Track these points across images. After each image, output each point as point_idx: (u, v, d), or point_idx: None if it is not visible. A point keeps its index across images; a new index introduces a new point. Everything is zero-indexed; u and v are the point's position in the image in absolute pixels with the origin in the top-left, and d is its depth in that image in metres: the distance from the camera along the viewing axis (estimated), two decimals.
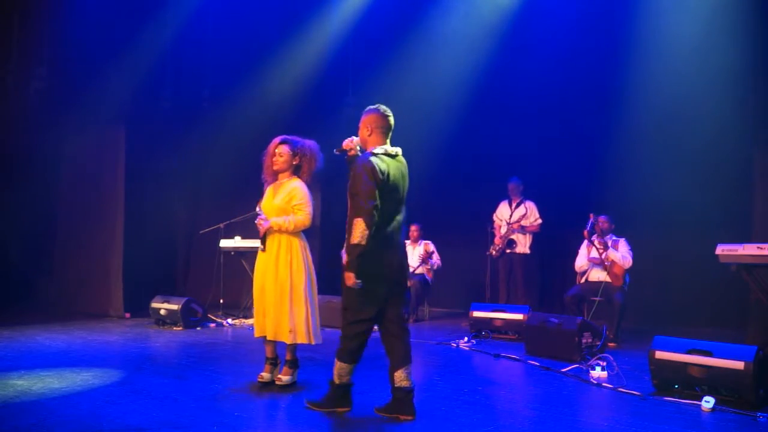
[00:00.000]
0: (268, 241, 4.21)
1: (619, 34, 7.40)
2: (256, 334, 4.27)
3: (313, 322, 4.17)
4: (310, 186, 4.26)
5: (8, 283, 7.97)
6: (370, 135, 3.57)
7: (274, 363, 4.32)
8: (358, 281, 3.37)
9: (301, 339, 4.11)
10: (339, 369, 3.56)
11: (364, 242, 3.32)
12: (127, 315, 7.57)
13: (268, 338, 4.17)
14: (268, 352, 4.32)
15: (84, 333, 6.35)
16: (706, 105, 6.83)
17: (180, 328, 6.77)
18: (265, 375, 4.27)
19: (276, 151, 4.22)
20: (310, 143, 4.30)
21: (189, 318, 6.89)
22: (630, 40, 7.33)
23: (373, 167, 3.38)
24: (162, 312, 6.89)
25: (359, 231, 3.33)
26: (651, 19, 7.20)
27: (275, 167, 4.23)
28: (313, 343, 4.17)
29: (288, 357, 4.27)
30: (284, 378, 4.21)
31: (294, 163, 4.25)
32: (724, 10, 6.68)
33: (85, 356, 5.13)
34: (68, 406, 3.62)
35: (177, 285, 9.11)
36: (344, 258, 3.43)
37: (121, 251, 7.72)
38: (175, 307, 6.83)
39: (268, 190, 4.32)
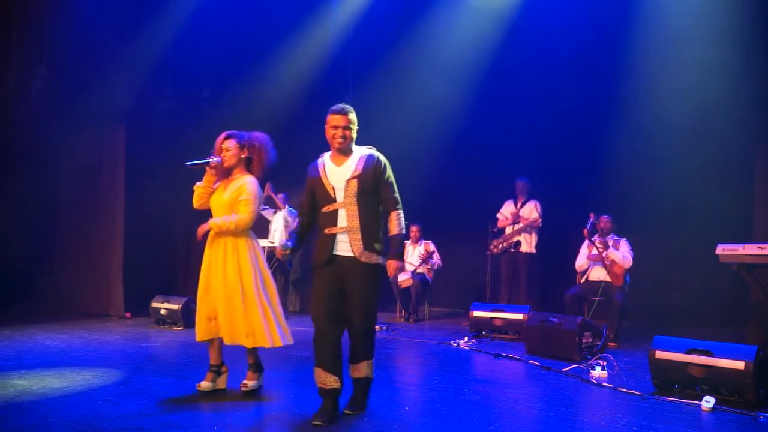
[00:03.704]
0: (215, 243, 3.97)
1: (621, 35, 7.41)
2: (198, 338, 3.96)
3: (276, 323, 3.92)
4: (262, 181, 4.09)
5: (8, 283, 7.97)
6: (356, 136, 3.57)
7: (217, 371, 4.05)
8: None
9: (262, 342, 3.85)
10: (373, 364, 3.59)
11: (404, 231, 3.53)
12: (128, 315, 7.57)
13: (226, 343, 3.92)
14: (212, 358, 4.04)
15: (84, 333, 6.35)
16: (706, 105, 6.84)
17: (180, 328, 6.77)
18: (205, 384, 3.97)
19: (222, 146, 4.02)
20: (258, 135, 4.11)
21: (189, 318, 6.88)
22: (632, 42, 7.34)
23: None
24: (162, 312, 6.89)
25: (401, 221, 3.51)
26: (653, 20, 7.20)
27: (225, 164, 4.01)
28: (278, 345, 3.89)
29: (251, 361, 4.03)
30: (249, 383, 3.98)
31: (243, 156, 4.04)
32: (725, 11, 6.69)
33: (85, 356, 5.13)
34: (68, 406, 3.62)
35: (177, 285, 9.11)
36: (368, 256, 3.43)
37: (121, 251, 7.73)
38: (175, 306, 6.84)
39: (219, 186, 4.08)
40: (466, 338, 6.22)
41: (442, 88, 8.46)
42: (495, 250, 7.61)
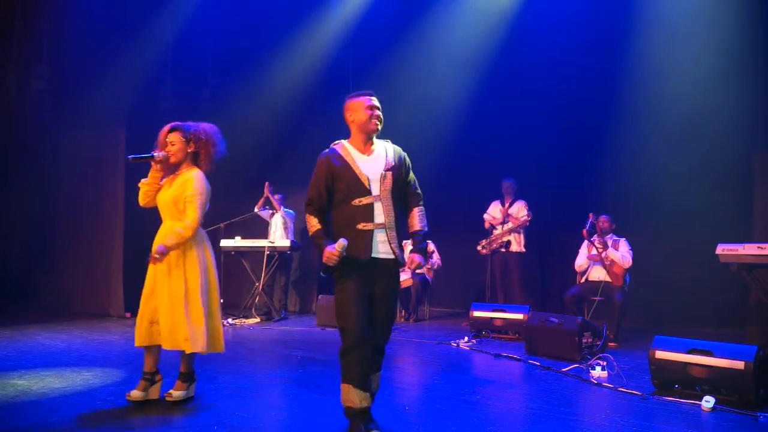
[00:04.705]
0: (162, 236, 3.72)
1: (620, 33, 7.41)
2: (137, 342, 3.72)
3: (206, 331, 3.68)
4: (210, 176, 3.83)
5: (8, 283, 7.97)
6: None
7: (151, 380, 3.78)
8: None
9: (200, 348, 3.63)
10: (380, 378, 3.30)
11: (427, 229, 3.29)
12: (128, 315, 7.57)
13: (166, 348, 3.66)
14: (147, 365, 3.78)
15: (84, 333, 6.35)
16: (707, 105, 6.84)
17: None
18: (135, 393, 3.69)
19: (167, 140, 3.76)
20: (205, 127, 3.86)
21: None
22: (631, 40, 7.34)
23: None
24: None
25: (424, 218, 3.29)
26: (652, 20, 7.20)
27: (171, 159, 3.76)
28: (217, 351, 3.75)
29: (182, 369, 3.80)
30: (175, 393, 3.72)
31: (189, 150, 3.80)
32: (725, 14, 6.69)
33: (86, 356, 5.13)
34: (68, 406, 3.62)
35: None
36: (409, 255, 3.17)
37: (121, 251, 7.74)
38: None
39: (165, 183, 3.83)
40: (466, 338, 6.22)
41: (443, 88, 8.46)
42: (483, 251, 7.62)
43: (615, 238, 6.37)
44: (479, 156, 8.61)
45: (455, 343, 6.04)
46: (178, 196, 3.72)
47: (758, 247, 5.07)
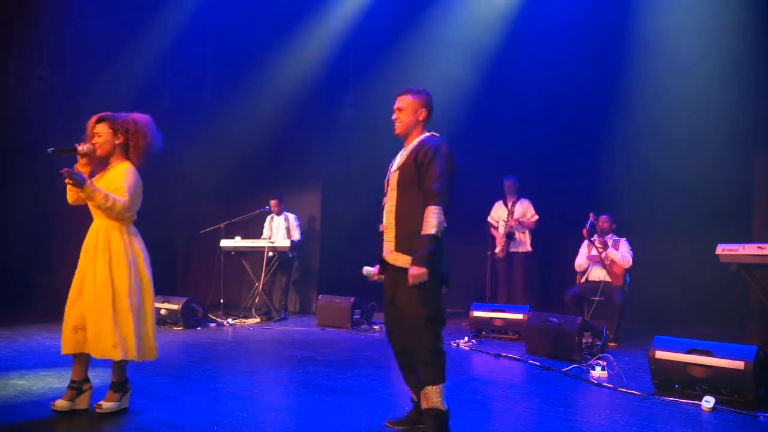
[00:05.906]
0: (89, 239, 3.48)
1: (621, 33, 7.41)
2: (64, 350, 3.46)
3: (137, 336, 3.41)
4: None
5: (8, 283, 7.96)
6: (424, 120, 3.17)
7: (78, 389, 3.52)
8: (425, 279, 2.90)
9: (131, 355, 3.37)
10: (442, 392, 2.95)
11: (440, 235, 2.87)
12: None
13: (94, 356, 3.41)
14: (75, 373, 3.52)
15: None
16: (707, 105, 6.84)
17: (180, 328, 6.78)
18: (61, 403, 3.44)
19: (93, 132, 3.49)
20: (137, 117, 3.55)
21: (189, 318, 6.90)
22: (633, 40, 7.34)
23: (450, 154, 3.03)
24: (162, 312, 6.88)
25: (438, 220, 2.87)
26: (653, 19, 7.20)
27: (98, 152, 3.48)
28: (147, 359, 3.50)
29: (114, 378, 3.52)
30: (105, 404, 3.44)
31: (117, 142, 3.50)
32: (726, 11, 6.69)
33: None
34: None
35: (177, 285, 9.11)
36: (395, 256, 2.99)
37: None
38: (175, 306, 6.84)
39: (96, 179, 3.54)
40: (466, 338, 6.22)
41: (442, 87, 8.43)
42: (501, 254, 7.51)
43: (615, 238, 6.37)
44: (480, 155, 8.58)
45: (455, 343, 6.04)
46: (106, 189, 3.41)
47: (758, 247, 5.07)
